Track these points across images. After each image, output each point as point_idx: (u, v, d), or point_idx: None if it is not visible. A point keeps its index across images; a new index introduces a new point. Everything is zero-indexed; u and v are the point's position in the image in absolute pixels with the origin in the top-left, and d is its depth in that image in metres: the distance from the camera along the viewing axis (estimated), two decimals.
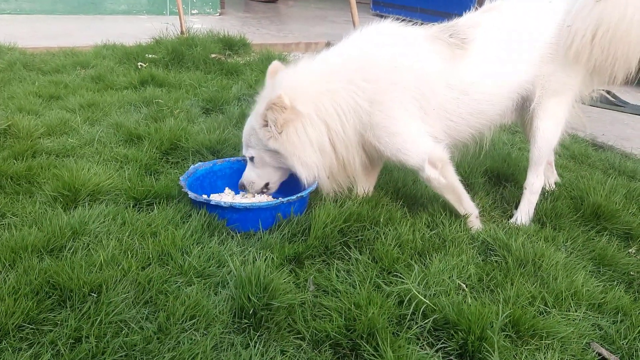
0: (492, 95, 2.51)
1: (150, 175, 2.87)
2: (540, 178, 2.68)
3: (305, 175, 2.43)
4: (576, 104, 2.68)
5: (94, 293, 1.84)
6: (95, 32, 6.97)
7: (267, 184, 2.59)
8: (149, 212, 2.45)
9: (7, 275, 1.91)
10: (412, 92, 2.39)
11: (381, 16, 8.77)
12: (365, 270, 2.10)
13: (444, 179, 2.47)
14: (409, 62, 2.42)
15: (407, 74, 2.39)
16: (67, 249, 2.09)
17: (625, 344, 1.87)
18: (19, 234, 2.15)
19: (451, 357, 1.74)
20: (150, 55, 5.33)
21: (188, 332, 1.75)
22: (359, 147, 2.48)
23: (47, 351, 1.60)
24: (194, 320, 1.79)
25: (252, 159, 2.55)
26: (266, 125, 2.39)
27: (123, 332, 1.71)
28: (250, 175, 2.59)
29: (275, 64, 2.59)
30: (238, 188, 2.65)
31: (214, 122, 3.69)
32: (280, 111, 2.31)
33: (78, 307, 1.79)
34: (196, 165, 2.72)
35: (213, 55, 5.27)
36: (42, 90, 4.22)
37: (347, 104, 2.36)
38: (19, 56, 5.14)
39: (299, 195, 2.41)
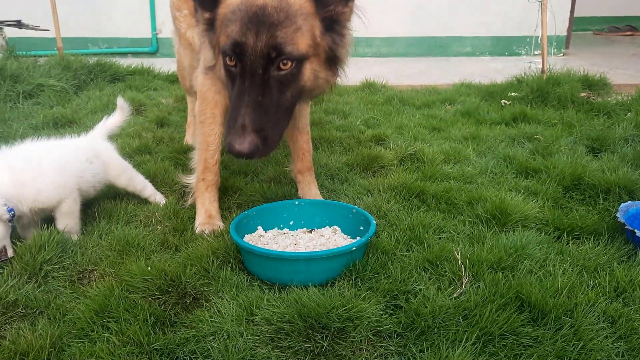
0: None
1: (558, 209, 2.83)
2: None
3: None
4: None
5: (568, 317, 1.83)
6: (445, 71, 7.44)
7: None
8: (578, 246, 2.39)
9: (474, 286, 2.06)
10: None
11: None
12: None
13: None
14: None
15: None
16: (517, 269, 2.16)
17: None
18: (478, 248, 2.31)
19: None
20: (512, 94, 5.39)
21: None
22: None
23: None
24: None
25: None
26: None
27: None
28: None
29: None
30: None
31: (609, 161, 3.47)
32: None
33: (551, 328, 1.80)
34: (626, 204, 2.57)
35: (583, 94, 5.03)
36: (424, 122, 4.62)
37: None
38: (395, 92, 5.78)
39: None
